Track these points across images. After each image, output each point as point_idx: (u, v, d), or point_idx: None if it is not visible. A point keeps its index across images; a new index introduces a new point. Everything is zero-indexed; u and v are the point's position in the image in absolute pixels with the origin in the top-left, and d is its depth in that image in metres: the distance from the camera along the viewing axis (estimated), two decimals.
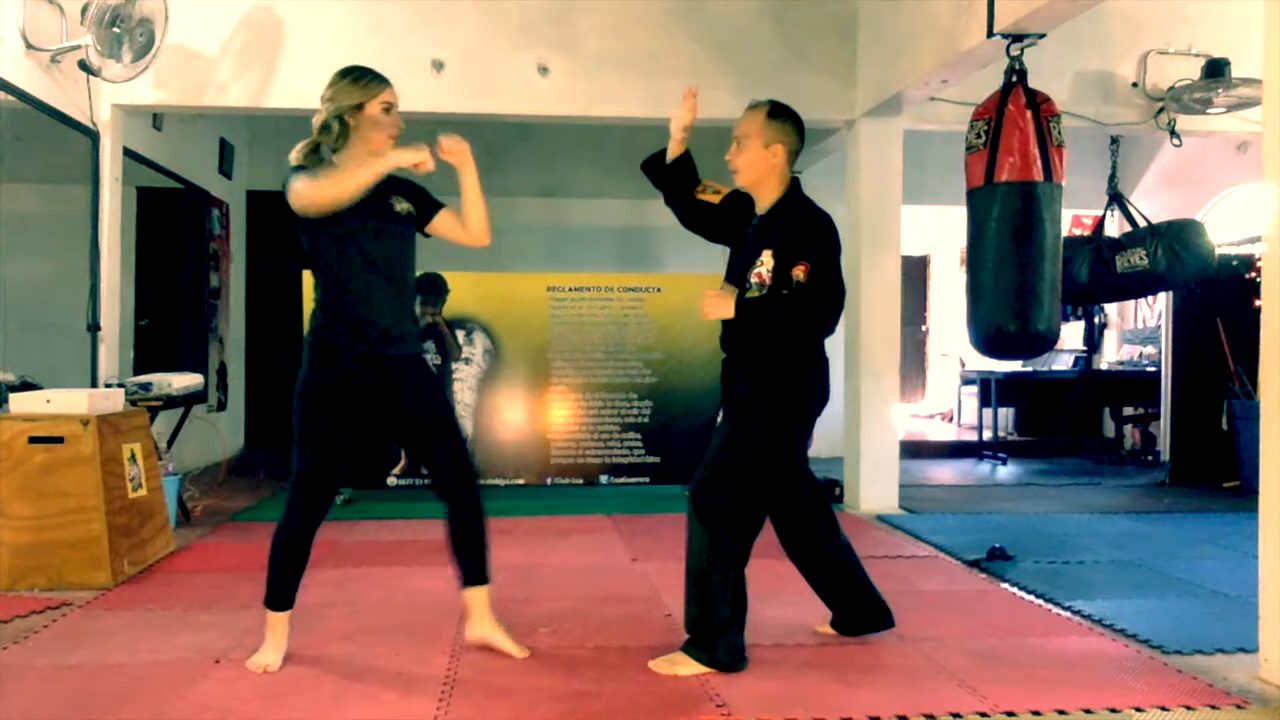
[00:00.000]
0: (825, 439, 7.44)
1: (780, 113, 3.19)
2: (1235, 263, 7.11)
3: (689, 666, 3.02)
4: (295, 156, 3.01)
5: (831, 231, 3.08)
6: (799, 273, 2.96)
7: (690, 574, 3.07)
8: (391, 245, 3.04)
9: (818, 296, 2.98)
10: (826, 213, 3.13)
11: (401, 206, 3.09)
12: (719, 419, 3.22)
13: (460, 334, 6.40)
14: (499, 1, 5.76)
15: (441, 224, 3.17)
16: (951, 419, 10.98)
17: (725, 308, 3.06)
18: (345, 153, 3.01)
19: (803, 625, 3.50)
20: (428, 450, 3.18)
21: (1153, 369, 8.67)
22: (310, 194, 2.88)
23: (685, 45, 5.87)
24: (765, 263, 3.04)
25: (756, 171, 3.15)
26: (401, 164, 2.92)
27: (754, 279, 3.05)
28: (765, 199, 3.18)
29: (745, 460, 3.07)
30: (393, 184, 3.09)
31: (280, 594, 3.08)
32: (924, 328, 11.84)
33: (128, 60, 4.95)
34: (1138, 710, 2.77)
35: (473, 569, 3.19)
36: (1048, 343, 4.51)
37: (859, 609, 3.38)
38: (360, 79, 3.01)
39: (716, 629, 3.02)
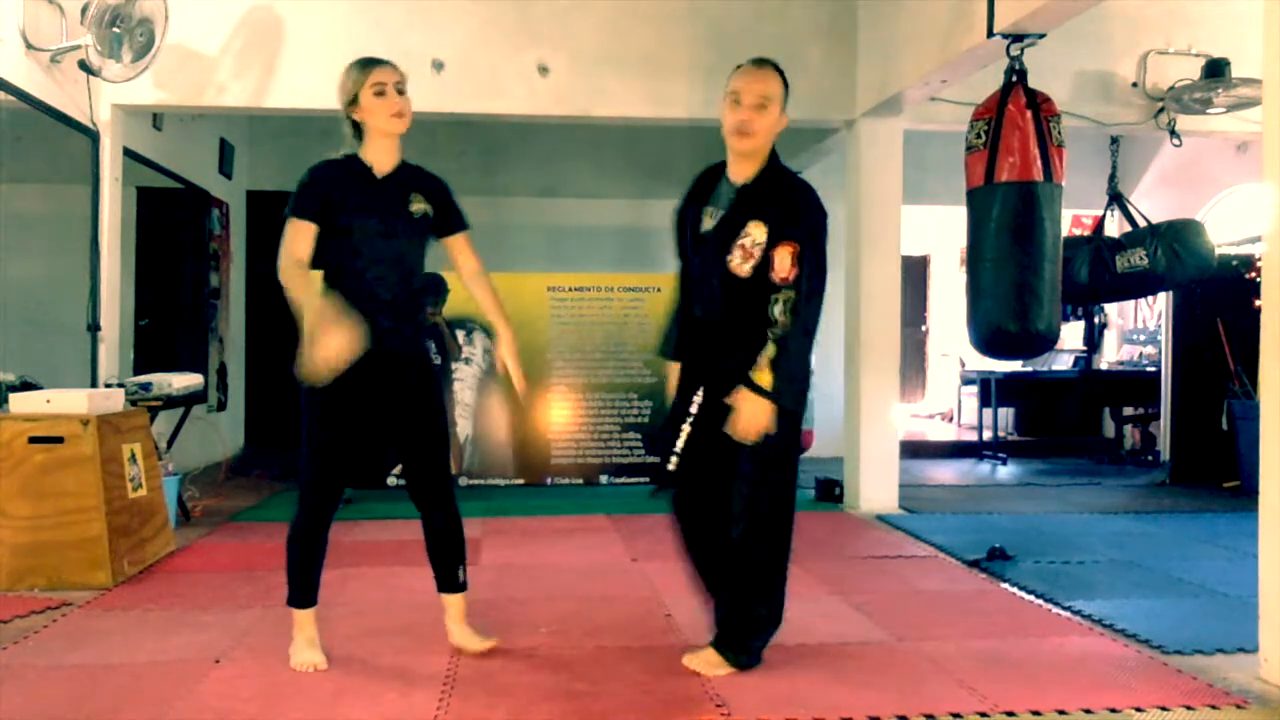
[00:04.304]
0: (825, 439, 7.48)
1: (786, 78, 3.04)
2: (1235, 263, 7.11)
3: (724, 667, 3.01)
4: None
5: (823, 212, 2.96)
6: (786, 255, 2.84)
7: (744, 578, 3.00)
8: (398, 244, 3.01)
9: (813, 297, 2.88)
10: (810, 185, 3.00)
11: (417, 206, 3.05)
12: (694, 409, 3.03)
13: (460, 334, 6.40)
14: (499, 1, 5.76)
15: (454, 247, 3.14)
16: (951, 419, 10.97)
17: (763, 414, 2.84)
18: (364, 143, 3.03)
19: (803, 625, 3.49)
20: (409, 453, 3.13)
21: (1153, 369, 8.67)
22: (281, 264, 2.93)
23: (685, 45, 5.86)
24: (753, 235, 2.89)
25: (769, 138, 2.97)
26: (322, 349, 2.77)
27: (738, 253, 2.90)
28: (752, 166, 2.99)
29: (781, 463, 3.02)
30: (417, 181, 3.07)
31: (299, 591, 3.09)
32: (924, 328, 11.84)
33: (128, 60, 4.95)
34: (1138, 710, 2.77)
35: (445, 577, 3.18)
36: (1048, 343, 4.51)
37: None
38: (349, 71, 3.02)
39: (757, 628, 3.03)
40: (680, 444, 3.04)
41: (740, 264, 2.91)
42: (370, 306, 2.96)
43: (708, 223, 3.02)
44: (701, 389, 3.03)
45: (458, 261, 3.17)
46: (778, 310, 2.84)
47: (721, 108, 3.00)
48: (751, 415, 2.85)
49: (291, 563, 3.07)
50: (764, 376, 2.83)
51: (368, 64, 3.02)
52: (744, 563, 3.00)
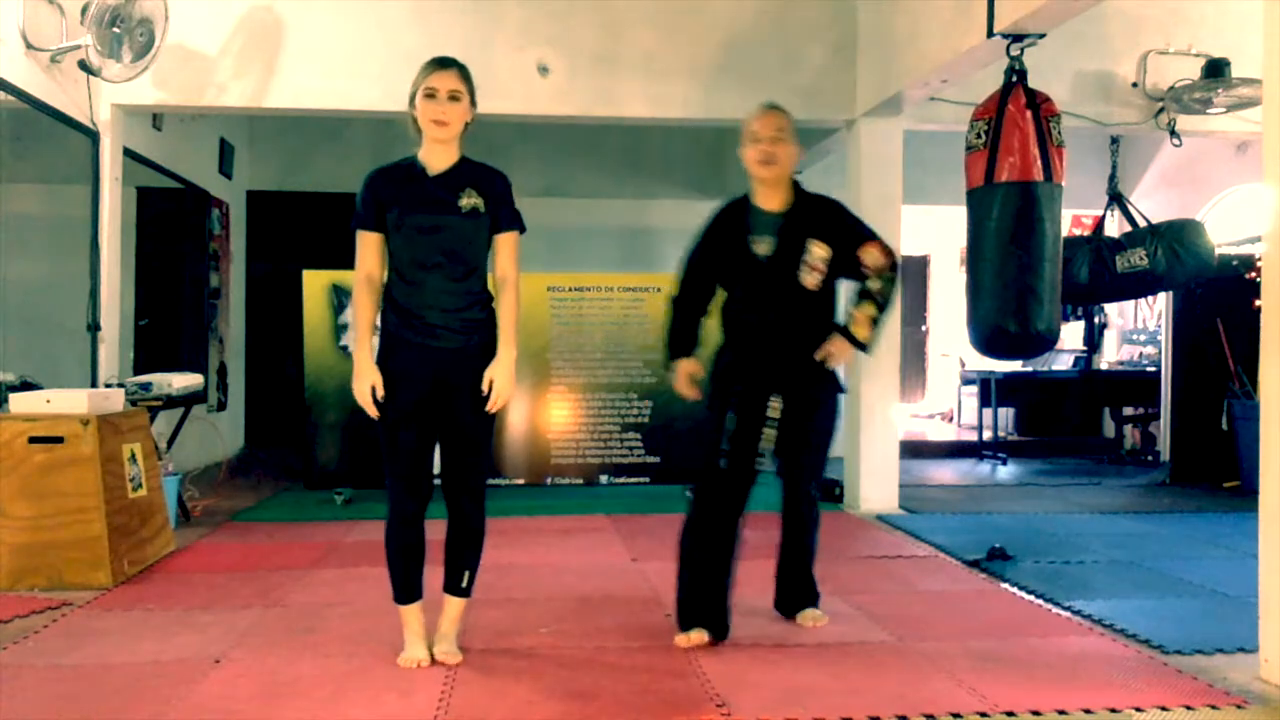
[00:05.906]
0: None
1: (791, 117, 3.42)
2: (1235, 263, 7.10)
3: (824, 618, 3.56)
4: None
5: None
6: (876, 251, 3.28)
7: (806, 563, 3.58)
8: (448, 241, 2.97)
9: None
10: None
11: (467, 201, 2.98)
12: (776, 407, 3.31)
13: None
14: (499, 1, 5.76)
15: (497, 245, 3.05)
16: (951, 419, 10.97)
17: (847, 348, 3.32)
18: (421, 143, 3.03)
19: (803, 625, 3.50)
20: (449, 441, 3.05)
21: (1153, 369, 8.67)
22: (354, 277, 3.06)
23: (685, 45, 5.87)
24: (817, 252, 3.27)
25: (791, 165, 3.35)
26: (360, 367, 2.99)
27: (805, 269, 3.27)
28: (783, 194, 3.35)
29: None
30: (473, 177, 3.02)
31: (398, 587, 3.10)
32: (924, 328, 11.84)
33: (128, 60, 4.95)
34: (1138, 710, 2.77)
35: (450, 577, 3.14)
36: (1048, 343, 4.51)
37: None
38: (419, 69, 3.01)
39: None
40: (764, 444, 3.32)
41: (808, 277, 3.29)
42: (421, 304, 2.96)
43: (761, 248, 3.32)
44: (777, 396, 3.31)
45: (495, 261, 3.07)
46: (875, 285, 3.30)
47: (743, 150, 3.35)
48: (843, 353, 3.33)
49: (387, 560, 3.11)
50: (862, 331, 3.30)
51: (431, 65, 3.00)
52: (813, 524, 3.56)
